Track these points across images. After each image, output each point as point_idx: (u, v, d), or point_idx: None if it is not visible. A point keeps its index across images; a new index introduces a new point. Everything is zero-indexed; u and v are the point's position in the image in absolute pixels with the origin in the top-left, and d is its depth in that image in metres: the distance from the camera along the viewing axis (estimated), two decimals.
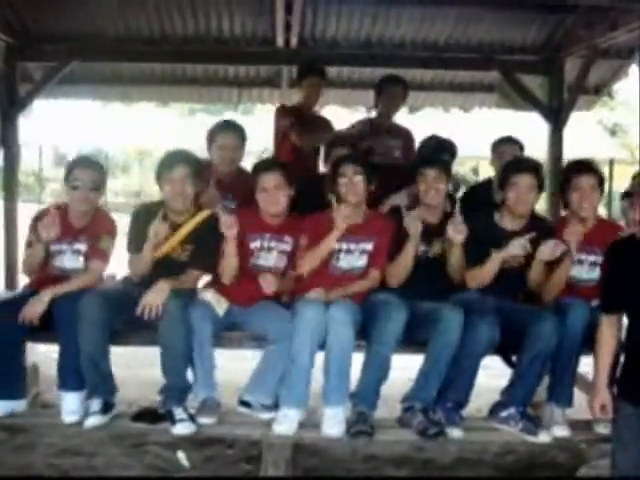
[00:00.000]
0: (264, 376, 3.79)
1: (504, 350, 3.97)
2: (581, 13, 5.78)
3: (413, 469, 3.63)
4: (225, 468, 3.64)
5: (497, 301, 3.90)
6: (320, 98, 5.61)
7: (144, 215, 4.04)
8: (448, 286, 4.04)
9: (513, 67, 6.49)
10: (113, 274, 4.23)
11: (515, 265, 3.95)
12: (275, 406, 3.78)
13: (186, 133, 16.10)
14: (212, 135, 4.61)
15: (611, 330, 3.08)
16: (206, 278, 4.15)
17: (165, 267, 3.93)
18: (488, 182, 5.07)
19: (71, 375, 3.74)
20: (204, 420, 3.73)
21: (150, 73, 7.27)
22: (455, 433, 3.72)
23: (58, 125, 20.12)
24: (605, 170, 17.11)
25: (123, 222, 4.30)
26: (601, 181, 4.07)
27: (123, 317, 3.77)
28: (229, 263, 3.92)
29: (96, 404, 3.71)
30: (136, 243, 3.97)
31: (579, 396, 3.85)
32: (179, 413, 3.68)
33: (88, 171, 4.05)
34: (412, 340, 3.81)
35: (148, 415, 3.80)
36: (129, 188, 22.86)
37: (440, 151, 4.62)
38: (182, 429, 3.64)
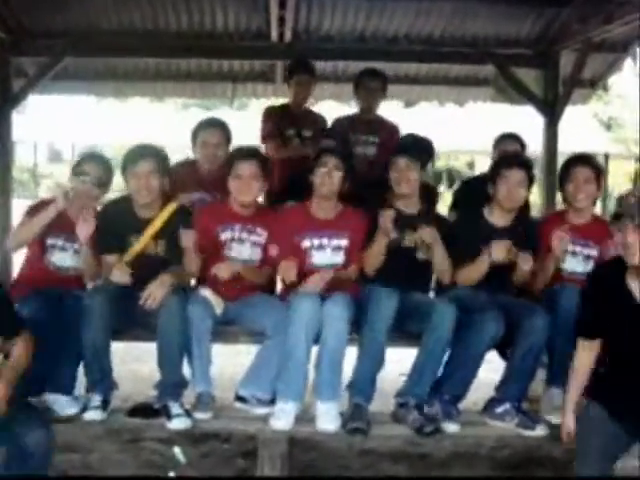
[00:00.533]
0: (260, 371, 3.79)
1: (499, 344, 3.97)
2: (576, 6, 5.78)
3: (409, 464, 3.64)
4: (221, 463, 3.63)
5: (490, 296, 3.91)
6: (310, 95, 5.54)
7: (111, 211, 4.03)
8: (426, 278, 4.09)
9: (508, 61, 6.50)
10: None
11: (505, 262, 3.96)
12: (271, 401, 3.78)
13: (180, 128, 16.05)
14: (195, 133, 4.58)
15: (588, 354, 3.09)
16: None
17: (144, 264, 3.89)
18: (484, 177, 5.06)
19: (67, 379, 3.73)
20: (200, 415, 3.72)
21: (144, 68, 7.27)
22: (451, 427, 3.72)
23: (52, 121, 20.08)
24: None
25: None
26: (598, 175, 4.09)
27: (122, 314, 3.74)
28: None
29: (96, 399, 3.70)
30: (105, 241, 3.92)
31: None
32: (175, 408, 3.67)
33: (95, 166, 4.04)
34: (403, 330, 3.82)
35: (143, 410, 3.79)
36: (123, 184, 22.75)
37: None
38: (178, 424, 3.63)
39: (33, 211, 3.96)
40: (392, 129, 5.40)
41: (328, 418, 3.66)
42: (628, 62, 7.03)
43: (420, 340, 3.76)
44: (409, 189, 4.03)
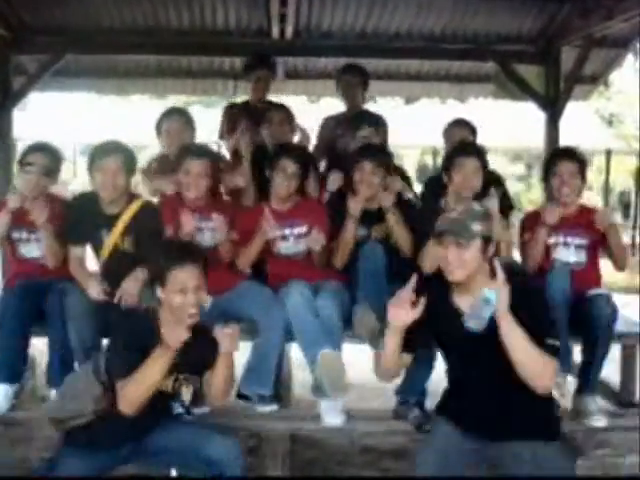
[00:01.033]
0: (259, 367, 3.78)
1: None
2: (577, 2, 5.79)
3: (411, 461, 3.63)
4: None
5: None
6: (269, 90, 5.49)
7: (79, 204, 4.06)
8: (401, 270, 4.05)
9: (509, 57, 6.50)
10: None
11: None
12: (274, 397, 3.80)
13: None
14: (158, 125, 4.59)
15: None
16: None
17: (116, 259, 3.92)
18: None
19: (61, 371, 3.71)
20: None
21: (145, 65, 7.26)
22: None
23: (53, 118, 20.07)
24: (602, 160, 17.12)
25: None
26: (582, 168, 4.09)
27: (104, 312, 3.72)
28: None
29: None
30: (72, 230, 3.96)
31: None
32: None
33: (41, 155, 4.02)
34: None
35: None
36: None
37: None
38: None
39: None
40: (379, 121, 5.32)
41: (334, 413, 3.69)
42: (629, 58, 7.03)
43: None
44: (369, 192, 4.07)
